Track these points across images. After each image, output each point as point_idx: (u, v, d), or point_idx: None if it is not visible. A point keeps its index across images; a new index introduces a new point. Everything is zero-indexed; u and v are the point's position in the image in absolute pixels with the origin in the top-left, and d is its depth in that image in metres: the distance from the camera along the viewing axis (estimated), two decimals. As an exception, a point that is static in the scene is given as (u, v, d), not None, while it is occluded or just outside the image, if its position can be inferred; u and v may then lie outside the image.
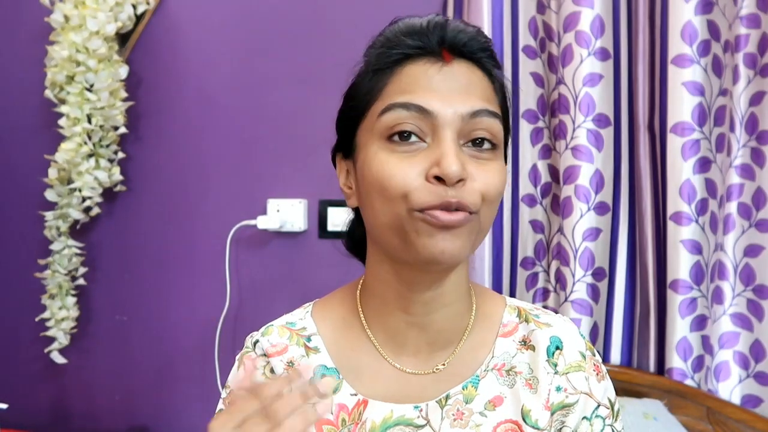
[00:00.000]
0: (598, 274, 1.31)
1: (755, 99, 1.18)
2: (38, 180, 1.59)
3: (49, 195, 1.58)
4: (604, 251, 1.31)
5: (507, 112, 0.63)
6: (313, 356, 0.65)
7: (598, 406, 0.64)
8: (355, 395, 0.63)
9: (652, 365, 1.27)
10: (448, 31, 0.58)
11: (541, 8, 1.34)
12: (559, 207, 1.32)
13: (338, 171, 0.66)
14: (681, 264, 1.20)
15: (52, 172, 1.55)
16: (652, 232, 1.26)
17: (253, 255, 1.58)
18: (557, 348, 0.64)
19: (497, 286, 1.38)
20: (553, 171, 1.35)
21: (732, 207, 1.20)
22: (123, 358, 1.69)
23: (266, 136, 1.57)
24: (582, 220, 1.28)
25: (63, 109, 1.52)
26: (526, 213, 1.39)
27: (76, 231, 1.66)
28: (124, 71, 1.56)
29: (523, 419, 0.62)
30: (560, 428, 0.63)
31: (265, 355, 0.66)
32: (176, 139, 1.63)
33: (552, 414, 0.62)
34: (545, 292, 1.37)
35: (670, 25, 1.20)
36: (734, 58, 1.19)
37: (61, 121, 1.53)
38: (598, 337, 1.32)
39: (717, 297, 1.22)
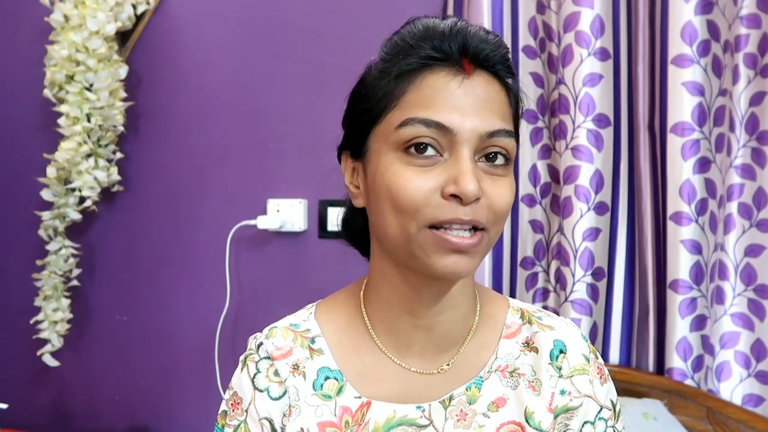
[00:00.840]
0: (597, 274, 1.31)
1: (755, 99, 1.18)
2: (35, 179, 1.58)
3: (46, 195, 1.57)
4: (604, 251, 1.31)
5: (518, 121, 0.63)
6: (317, 358, 0.65)
7: (601, 408, 0.64)
8: (359, 398, 0.63)
9: (651, 365, 1.27)
10: (471, 41, 0.56)
11: (541, 8, 1.34)
12: (558, 207, 1.32)
13: (344, 168, 0.65)
14: (681, 264, 1.20)
15: (51, 171, 1.54)
16: (652, 232, 1.26)
17: (253, 255, 1.58)
18: (561, 352, 0.65)
19: (497, 286, 1.38)
20: (553, 171, 1.35)
21: (733, 207, 1.20)
22: (123, 359, 1.69)
23: (266, 136, 1.57)
24: (582, 220, 1.28)
25: (62, 108, 1.52)
26: (525, 213, 1.39)
27: (72, 231, 1.66)
28: (123, 71, 1.56)
29: (527, 421, 0.62)
30: (564, 431, 0.63)
31: (269, 357, 0.65)
32: (176, 139, 1.63)
33: (556, 417, 0.63)
34: (545, 292, 1.37)
35: (670, 25, 1.20)
36: (734, 58, 1.19)
37: (61, 121, 1.53)
38: (597, 336, 1.32)
39: (718, 297, 1.22)
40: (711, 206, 1.22)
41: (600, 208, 1.30)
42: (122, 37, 1.62)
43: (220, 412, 0.66)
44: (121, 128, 1.59)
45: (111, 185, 1.62)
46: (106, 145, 1.60)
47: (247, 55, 1.57)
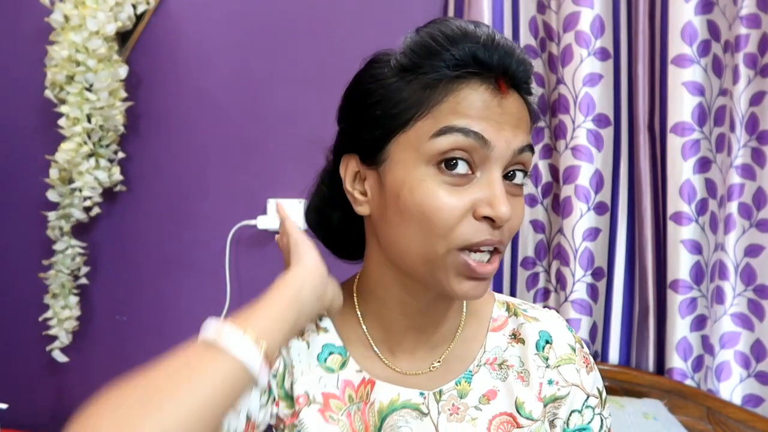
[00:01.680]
0: (597, 274, 1.31)
1: (755, 99, 1.18)
2: (39, 180, 1.59)
3: (51, 195, 1.58)
4: (604, 251, 1.31)
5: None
6: (323, 335, 0.66)
7: (588, 397, 0.65)
8: (360, 371, 0.64)
9: (651, 365, 1.27)
10: (511, 60, 0.55)
11: (542, 8, 1.34)
12: (559, 207, 1.32)
13: (344, 171, 0.61)
14: (681, 264, 1.20)
15: (54, 173, 1.55)
16: (652, 232, 1.26)
17: (253, 255, 1.58)
18: (547, 342, 0.66)
19: (497, 287, 1.38)
20: (554, 171, 1.35)
21: (733, 207, 1.20)
22: (123, 358, 1.69)
23: (266, 136, 1.57)
24: (582, 220, 1.28)
25: (63, 109, 1.52)
26: (527, 213, 1.39)
27: (76, 231, 1.66)
28: (123, 71, 1.56)
29: (518, 411, 0.63)
30: (552, 420, 0.64)
31: None
32: (176, 138, 1.63)
33: (545, 406, 0.64)
34: (546, 292, 1.37)
35: (670, 25, 1.20)
36: (734, 58, 1.19)
37: (61, 121, 1.53)
38: (597, 336, 1.32)
39: (718, 297, 1.22)
40: (711, 206, 1.22)
41: (600, 208, 1.30)
42: (122, 37, 1.62)
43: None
44: (122, 128, 1.59)
45: (113, 185, 1.62)
46: (107, 146, 1.60)
47: (247, 54, 1.57)
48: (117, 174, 1.60)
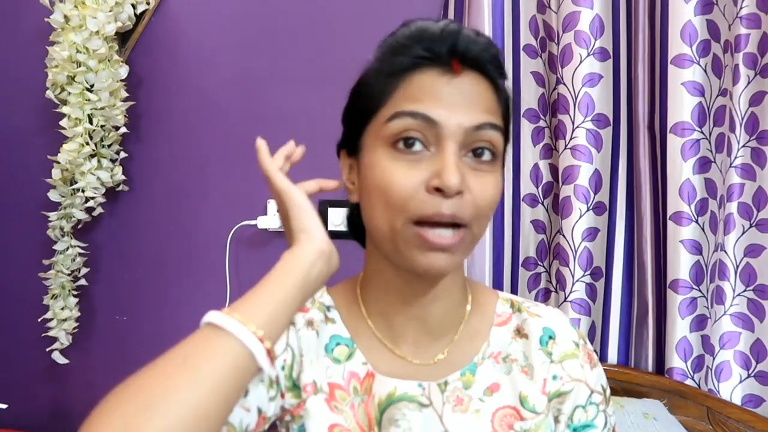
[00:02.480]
0: (595, 273, 1.31)
1: (755, 99, 1.18)
2: (41, 180, 1.59)
3: (53, 195, 1.58)
4: (602, 251, 1.31)
5: (508, 121, 0.64)
6: (331, 325, 0.67)
7: (592, 393, 0.66)
8: (366, 364, 0.65)
9: (650, 365, 1.27)
10: (460, 42, 0.58)
11: (542, 8, 1.34)
12: (559, 207, 1.32)
13: (342, 165, 0.67)
14: (681, 264, 1.20)
15: (56, 173, 1.55)
16: (652, 232, 1.26)
17: (253, 255, 1.58)
18: (550, 338, 0.67)
19: (498, 287, 1.38)
20: (554, 171, 1.35)
21: (732, 207, 1.20)
22: (123, 359, 1.69)
23: (266, 136, 1.56)
24: (581, 220, 1.28)
25: (64, 109, 1.52)
26: (527, 213, 1.39)
27: (77, 231, 1.66)
28: (124, 71, 1.56)
29: (522, 404, 0.64)
30: (556, 415, 0.65)
31: None
32: (176, 138, 1.64)
33: (549, 401, 0.65)
34: (547, 293, 1.37)
35: (670, 25, 1.20)
36: (734, 59, 1.19)
37: (63, 122, 1.53)
38: (596, 336, 1.32)
39: (717, 297, 1.22)
40: (711, 206, 1.22)
41: (598, 208, 1.30)
42: (122, 37, 1.62)
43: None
44: (123, 128, 1.59)
45: (116, 185, 1.62)
46: (109, 146, 1.60)
47: (247, 54, 1.57)
48: (119, 174, 1.61)
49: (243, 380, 0.51)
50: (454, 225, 0.57)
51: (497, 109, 0.60)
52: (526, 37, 1.36)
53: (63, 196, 1.59)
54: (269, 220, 1.52)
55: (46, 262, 1.62)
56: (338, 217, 1.48)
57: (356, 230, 0.73)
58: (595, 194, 1.29)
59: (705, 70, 1.20)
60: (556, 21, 1.30)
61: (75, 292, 1.65)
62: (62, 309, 1.62)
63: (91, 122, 1.53)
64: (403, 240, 0.57)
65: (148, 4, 1.59)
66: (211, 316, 0.54)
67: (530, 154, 1.38)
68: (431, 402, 0.63)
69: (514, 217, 1.39)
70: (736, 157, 1.20)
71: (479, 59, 0.59)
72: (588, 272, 1.30)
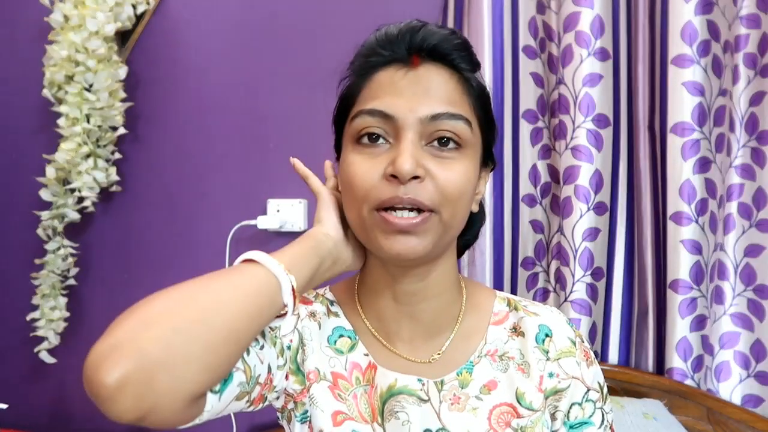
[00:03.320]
0: (596, 274, 1.31)
1: (755, 99, 1.18)
2: (34, 179, 1.58)
3: (44, 194, 1.58)
4: (603, 251, 1.31)
5: (484, 109, 0.64)
6: (334, 319, 0.69)
7: (588, 390, 0.67)
8: (367, 355, 0.66)
9: (650, 365, 1.27)
10: (417, 36, 0.60)
11: (541, 8, 1.34)
12: (558, 207, 1.32)
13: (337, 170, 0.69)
14: (681, 264, 1.20)
15: (51, 172, 1.54)
16: (652, 232, 1.26)
17: (253, 255, 1.57)
18: (547, 335, 0.67)
19: (498, 287, 1.38)
20: (553, 171, 1.35)
21: (732, 207, 1.20)
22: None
23: (266, 136, 1.57)
24: (582, 220, 1.28)
25: (62, 108, 1.52)
26: (526, 213, 1.39)
27: (71, 231, 1.66)
28: (123, 71, 1.56)
29: (518, 401, 0.64)
30: (553, 412, 0.66)
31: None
32: (176, 139, 1.63)
33: (546, 398, 0.65)
34: (545, 292, 1.37)
35: (670, 25, 1.20)
36: (734, 58, 1.19)
37: (60, 121, 1.52)
38: (597, 336, 1.32)
39: (717, 297, 1.22)
40: (711, 206, 1.22)
41: (599, 208, 1.30)
42: (122, 37, 1.62)
43: None
44: (121, 129, 1.59)
45: (109, 185, 1.62)
46: (105, 146, 1.60)
47: (247, 55, 1.57)
48: (114, 174, 1.60)
49: (265, 309, 0.55)
50: (418, 210, 0.58)
51: (462, 99, 0.61)
52: (525, 38, 1.36)
53: (55, 196, 1.58)
54: (269, 220, 1.52)
55: (38, 261, 1.62)
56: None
57: None
58: (595, 194, 1.29)
59: (705, 70, 1.20)
60: (557, 21, 1.30)
61: (64, 292, 1.64)
62: (52, 309, 1.61)
63: (88, 122, 1.53)
64: (370, 226, 0.60)
65: (147, 4, 1.58)
66: (243, 255, 0.58)
67: (529, 155, 1.38)
68: (429, 398, 0.63)
69: (513, 217, 1.39)
70: (736, 157, 1.20)
71: (439, 49, 0.60)
72: (589, 272, 1.30)
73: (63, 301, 1.63)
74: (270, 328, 0.63)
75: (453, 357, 0.66)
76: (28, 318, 1.63)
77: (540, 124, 1.37)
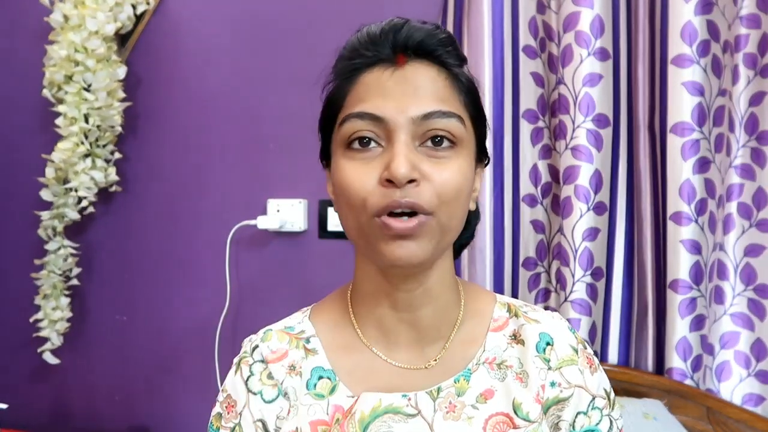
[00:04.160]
0: (596, 273, 1.31)
1: (755, 99, 1.18)
2: (34, 179, 1.58)
3: (45, 195, 1.58)
4: (603, 251, 1.31)
5: (475, 104, 0.63)
6: (312, 358, 0.65)
7: (594, 398, 0.65)
8: (352, 397, 0.63)
9: (650, 365, 1.27)
10: (400, 34, 0.59)
11: (541, 8, 1.34)
12: (559, 207, 1.32)
13: (327, 178, 0.67)
14: (681, 264, 1.20)
15: (49, 172, 1.54)
16: (651, 232, 1.26)
17: (253, 255, 1.58)
18: (548, 344, 0.65)
19: (498, 287, 1.38)
20: (554, 171, 1.35)
21: (732, 207, 1.20)
22: (123, 359, 1.69)
23: (266, 136, 1.57)
24: (582, 220, 1.28)
25: (60, 108, 1.52)
26: (527, 213, 1.39)
27: (71, 231, 1.66)
28: (122, 71, 1.56)
29: (515, 412, 0.62)
30: (556, 422, 0.64)
31: (263, 361, 0.66)
32: (175, 139, 1.63)
33: (547, 409, 0.63)
34: (546, 293, 1.37)
35: (670, 25, 1.20)
36: (734, 59, 1.19)
37: (59, 121, 1.52)
38: (597, 336, 1.32)
39: (717, 297, 1.22)
40: (710, 206, 1.22)
41: (599, 208, 1.30)
42: (122, 37, 1.62)
43: (214, 414, 0.67)
44: (120, 129, 1.59)
45: (109, 185, 1.62)
46: (104, 146, 1.60)
47: (246, 55, 1.57)
48: (113, 174, 1.60)
49: None
50: (416, 214, 0.57)
51: (452, 95, 0.60)
52: (525, 38, 1.36)
53: (56, 196, 1.58)
54: (269, 220, 1.52)
55: (38, 261, 1.62)
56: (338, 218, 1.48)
57: None
58: (595, 194, 1.29)
59: (705, 70, 1.20)
60: (557, 21, 1.30)
61: (66, 293, 1.64)
62: (54, 309, 1.61)
63: (87, 122, 1.53)
64: (370, 233, 0.58)
65: (147, 4, 1.59)
66: None
67: (529, 155, 1.38)
68: (419, 410, 0.61)
69: (514, 217, 1.38)
70: (735, 157, 1.20)
71: (424, 45, 0.59)
72: (588, 272, 1.30)
73: (65, 301, 1.63)
74: None
75: (451, 364, 0.64)
76: (31, 319, 1.63)
77: (540, 123, 1.37)
